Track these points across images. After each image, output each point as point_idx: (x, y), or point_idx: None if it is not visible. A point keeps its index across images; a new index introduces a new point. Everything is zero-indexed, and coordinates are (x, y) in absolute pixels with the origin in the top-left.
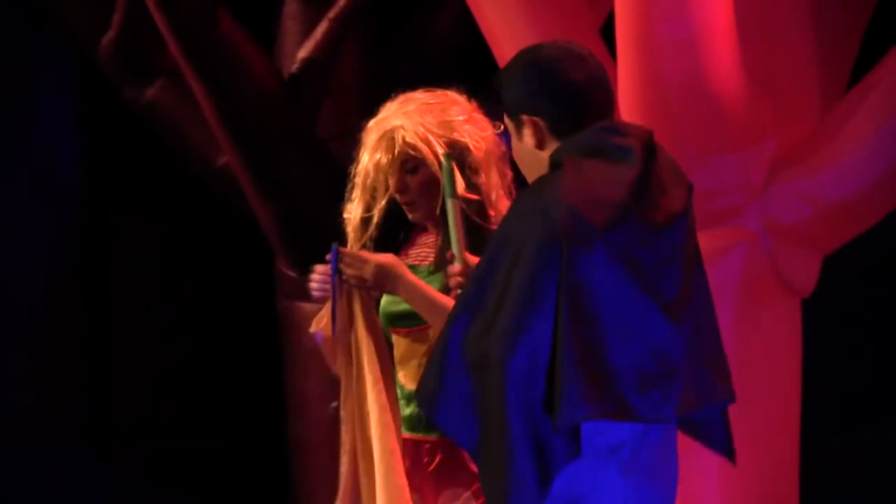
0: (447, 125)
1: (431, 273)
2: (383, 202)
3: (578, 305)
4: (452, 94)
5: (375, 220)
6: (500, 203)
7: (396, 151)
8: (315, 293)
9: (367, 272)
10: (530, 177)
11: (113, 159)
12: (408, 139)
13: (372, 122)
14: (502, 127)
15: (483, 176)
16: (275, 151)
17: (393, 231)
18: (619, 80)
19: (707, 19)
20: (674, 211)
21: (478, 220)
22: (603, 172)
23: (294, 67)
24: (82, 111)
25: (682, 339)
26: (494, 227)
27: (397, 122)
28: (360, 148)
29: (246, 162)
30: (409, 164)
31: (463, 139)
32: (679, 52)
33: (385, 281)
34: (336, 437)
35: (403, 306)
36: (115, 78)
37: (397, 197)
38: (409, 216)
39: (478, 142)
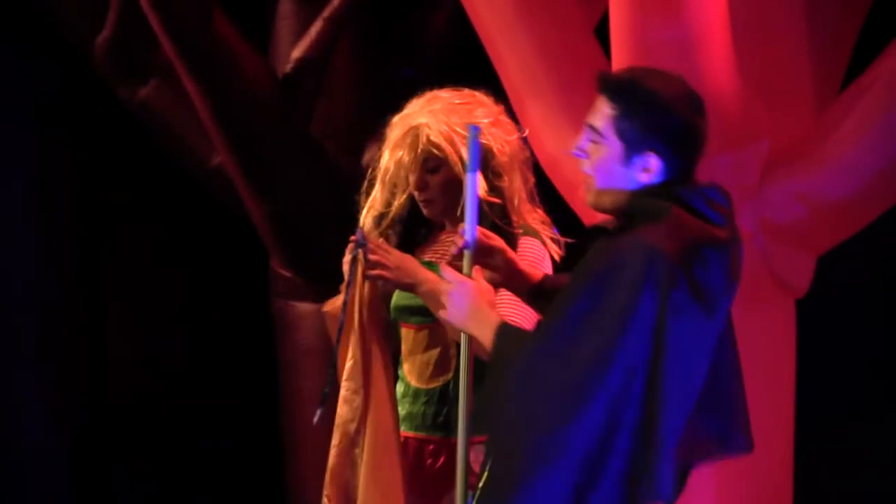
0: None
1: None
2: (402, 198)
3: (678, 369)
4: (480, 96)
5: (392, 215)
6: (522, 207)
7: (420, 149)
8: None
9: (391, 262)
10: (602, 197)
11: (107, 159)
12: (432, 137)
13: (396, 118)
14: (527, 131)
15: (506, 180)
16: (269, 151)
17: (415, 228)
18: None
19: (702, 19)
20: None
21: (499, 223)
22: (703, 232)
23: (288, 67)
24: (76, 111)
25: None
26: (515, 230)
27: (422, 120)
28: (382, 143)
29: (240, 162)
30: (430, 162)
31: (487, 142)
32: (673, 53)
33: (404, 275)
34: (330, 434)
35: (417, 301)
36: (110, 77)
37: (416, 194)
38: (426, 213)
39: (502, 146)
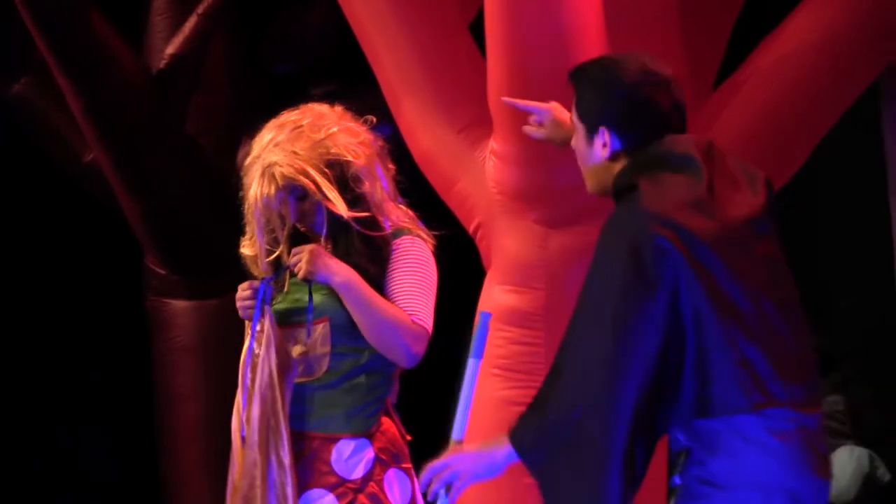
0: (321, 145)
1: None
2: (286, 232)
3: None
4: (318, 108)
5: (282, 248)
6: (387, 207)
7: (281, 186)
8: (243, 312)
9: (303, 255)
10: (589, 177)
11: None
12: (287, 173)
13: (248, 160)
14: (374, 120)
15: (367, 183)
16: (142, 148)
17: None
18: (488, 76)
19: (576, 17)
20: (748, 212)
21: (372, 233)
22: (673, 181)
23: (162, 63)
24: None
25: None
26: (387, 231)
27: (273, 159)
28: (244, 184)
29: (113, 158)
30: (297, 192)
31: (340, 153)
32: (548, 50)
33: (327, 256)
34: (205, 432)
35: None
36: None
37: (298, 225)
38: (311, 236)
39: (355, 151)
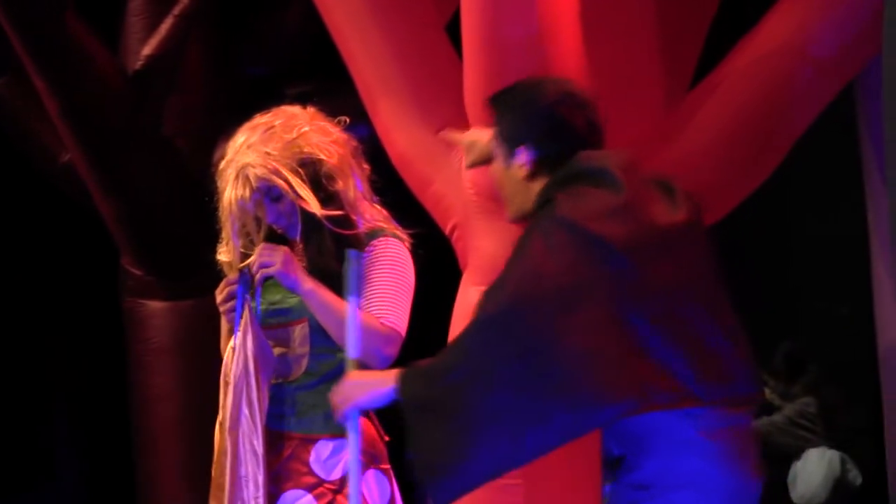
0: (293, 145)
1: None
2: (261, 235)
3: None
4: (289, 109)
5: (257, 252)
6: (362, 206)
7: (255, 187)
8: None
9: (277, 256)
10: (510, 203)
11: None
12: (259, 174)
13: (223, 163)
14: (348, 120)
15: (341, 182)
16: (119, 148)
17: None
18: (464, 77)
19: (552, 17)
20: (676, 218)
21: (345, 231)
22: (589, 194)
23: (138, 64)
24: None
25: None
26: (360, 230)
27: (246, 160)
28: (218, 188)
29: (90, 159)
30: (272, 193)
31: (312, 152)
32: (524, 51)
33: (293, 262)
34: (181, 433)
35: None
36: None
37: (274, 226)
38: (288, 236)
39: (328, 150)
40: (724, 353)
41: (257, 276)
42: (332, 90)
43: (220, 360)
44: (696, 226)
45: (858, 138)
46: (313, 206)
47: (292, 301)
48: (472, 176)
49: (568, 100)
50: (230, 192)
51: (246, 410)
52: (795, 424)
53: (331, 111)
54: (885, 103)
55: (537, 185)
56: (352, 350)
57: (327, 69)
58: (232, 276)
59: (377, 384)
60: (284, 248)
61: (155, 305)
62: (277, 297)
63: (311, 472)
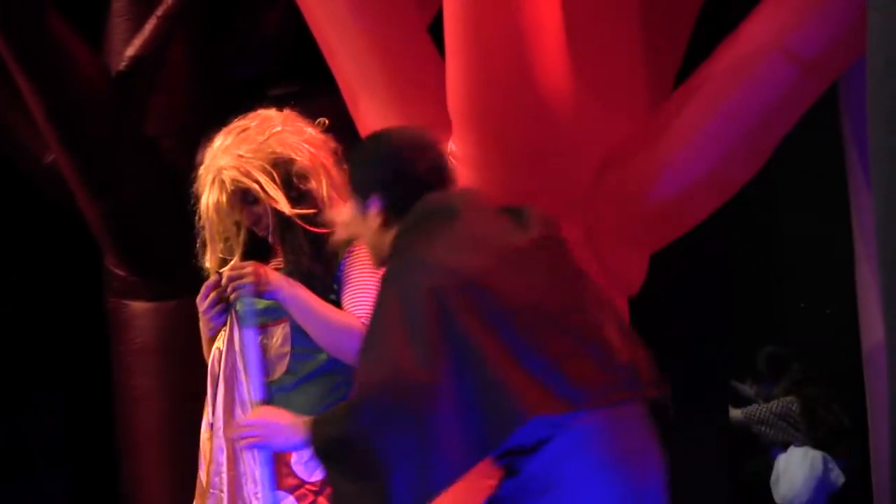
0: (265, 145)
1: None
2: (241, 237)
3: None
4: (265, 112)
5: (237, 257)
6: (336, 204)
7: (230, 190)
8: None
9: (248, 270)
10: (372, 252)
11: None
12: (233, 176)
13: (201, 168)
14: (326, 122)
15: (313, 181)
16: (102, 149)
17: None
18: (447, 80)
19: (535, 19)
20: (527, 238)
21: (318, 230)
22: (437, 231)
23: (122, 65)
24: None
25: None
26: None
27: (220, 163)
28: (197, 193)
29: (73, 160)
30: (248, 196)
31: (284, 152)
32: (506, 50)
33: (266, 271)
34: (164, 433)
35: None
36: None
37: (254, 229)
38: (269, 239)
39: (300, 149)
40: (596, 355)
41: (232, 296)
42: (317, 91)
43: (204, 361)
44: (551, 240)
45: (843, 139)
46: (283, 204)
47: (273, 301)
48: (456, 177)
49: (410, 147)
50: (207, 197)
51: (239, 410)
52: (779, 416)
53: (315, 111)
54: (869, 104)
55: (392, 232)
56: (255, 392)
57: (311, 70)
58: (213, 278)
59: (290, 431)
60: (253, 264)
61: (139, 306)
62: (258, 297)
63: (293, 474)
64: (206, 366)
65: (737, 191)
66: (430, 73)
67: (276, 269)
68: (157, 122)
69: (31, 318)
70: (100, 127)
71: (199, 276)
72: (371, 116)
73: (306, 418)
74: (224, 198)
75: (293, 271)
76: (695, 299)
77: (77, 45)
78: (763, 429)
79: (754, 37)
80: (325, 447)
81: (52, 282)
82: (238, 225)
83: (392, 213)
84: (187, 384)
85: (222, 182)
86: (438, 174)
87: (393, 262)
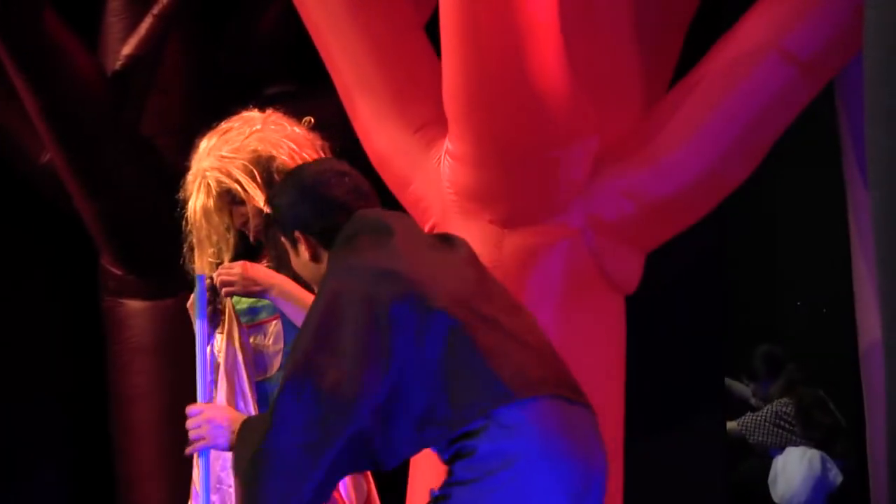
0: (246, 144)
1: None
2: (231, 240)
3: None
4: (247, 115)
5: (229, 258)
6: None
7: (216, 193)
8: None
9: (235, 274)
10: (313, 284)
11: None
12: (216, 178)
13: (189, 174)
14: (312, 120)
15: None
16: (98, 148)
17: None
18: (443, 77)
19: (531, 16)
20: (458, 257)
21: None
22: (370, 244)
23: (118, 64)
24: None
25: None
26: None
27: (203, 165)
28: (184, 199)
29: (69, 159)
30: (235, 197)
31: (264, 149)
32: (503, 49)
33: (251, 283)
34: (160, 432)
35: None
36: None
37: (244, 230)
38: (254, 238)
39: (280, 146)
40: (526, 353)
41: (223, 296)
42: (314, 90)
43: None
44: (477, 259)
45: (839, 137)
46: (259, 201)
47: (265, 299)
48: (451, 175)
49: (323, 177)
50: (194, 202)
51: (241, 403)
52: (775, 424)
53: (311, 111)
54: (866, 102)
55: (325, 260)
56: (202, 393)
57: (308, 69)
58: (203, 281)
59: (229, 432)
60: (242, 263)
61: (135, 305)
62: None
63: None
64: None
65: (733, 190)
66: (427, 71)
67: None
68: (153, 122)
69: (26, 317)
70: (96, 126)
71: (194, 275)
72: (368, 116)
73: (243, 419)
74: (211, 201)
75: (278, 268)
76: (690, 298)
77: (73, 45)
78: (759, 438)
79: (750, 36)
80: (235, 461)
81: (48, 281)
82: (228, 228)
83: (319, 244)
84: (183, 383)
85: (208, 185)
86: (359, 197)
87: (326, 275)
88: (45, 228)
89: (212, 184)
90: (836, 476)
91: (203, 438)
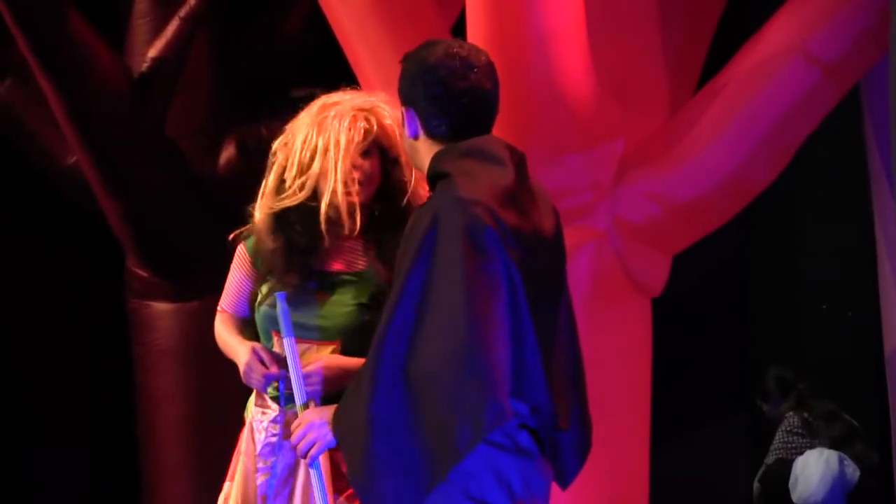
0: (391, 114)
1: (361, 277)
2: (335, 184)
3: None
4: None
5: (324, 209)
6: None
7: (375, 131)
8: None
9: (315, 379)
10: (412, 161)
11: None
12: (386, 121)
13: (318, 105)
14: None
15: (403, 156)
16: (124, 151)
17: (312, 239)
18: None
19: (558, 19)
20: (544, 228)
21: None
22: (485, 171)
23: (144, 66)
24: None
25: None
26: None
27: (374, 103)
28: (300, 130)
29: (95, 161)
30: (379, 143)
31: (392, 122)
32: (530, 52)
33: (333, 376)
34: (186, 434)
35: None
36: None
37: (357, 176)
38: (354, 199)
39: (393, 125)
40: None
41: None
42: (337, 91)
43: (226, 362)
44: (559, 239)
45: (865, 141)
46: (408, 174)
47: (326, 323)
48: None
49: (451, 62)
50: (327, 135)
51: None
52: (786, 440)
53: None
54: (891, 105)
55: (425, 147)
56: (299, 396)
57: (333, 71)
58: (273, 370)
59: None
60: (322, 369)
61: (160, 307)
62: (304, 316)
63: (342, 475)
64: (227, 366)
65: (759, 193)
66: None
67: (348, 259)
68: (178, 123)
69: (53, 319)
70: (121, 128)
71: (221, 275)
72: None
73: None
74: (369, 139)
75: (389, 240)
76: (714, 301)
77: (99, 46)
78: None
79: (776, 40)
80: (342, 439)
81: (75, 283)
82: (368, 175)
83: (423, 128)
84: (209, 385)
85: (377, 121)
86: (478, 95)
87: (434, 196)
88: (71, 231)
89: (375, 123)
90: (853, 472)
91: (315, 442)
